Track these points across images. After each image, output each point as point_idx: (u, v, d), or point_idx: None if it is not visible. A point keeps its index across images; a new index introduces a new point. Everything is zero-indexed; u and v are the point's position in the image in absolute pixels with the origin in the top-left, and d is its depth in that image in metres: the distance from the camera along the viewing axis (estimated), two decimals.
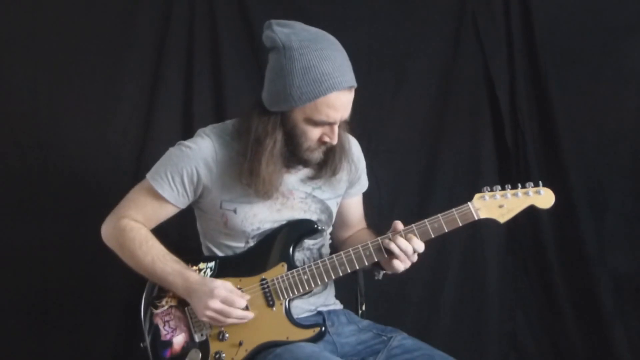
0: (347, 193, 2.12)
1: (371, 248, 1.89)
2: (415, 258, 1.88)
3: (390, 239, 1.86)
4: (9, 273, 2.61)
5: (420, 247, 1.86)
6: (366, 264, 1.91)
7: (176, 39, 2.63)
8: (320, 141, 1.88)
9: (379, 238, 1.89)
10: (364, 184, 2.18)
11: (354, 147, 2.10)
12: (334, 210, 2.08)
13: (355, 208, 2.19)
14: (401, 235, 1.86)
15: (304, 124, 1.84)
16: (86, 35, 2.62)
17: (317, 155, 1.91)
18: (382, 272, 1.98)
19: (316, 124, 1.83)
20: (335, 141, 1.87)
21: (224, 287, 1.85)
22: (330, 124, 1.84)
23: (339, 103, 1.81)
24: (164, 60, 2.63)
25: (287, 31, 1.82)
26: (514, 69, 2.72)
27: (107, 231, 1.98)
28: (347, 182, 2.09)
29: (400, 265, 1.87)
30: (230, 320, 1.85)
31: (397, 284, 1.99)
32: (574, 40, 2.68)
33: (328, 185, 2.03)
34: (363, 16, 2.71)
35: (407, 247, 1.85)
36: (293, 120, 1.84)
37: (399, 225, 1.88)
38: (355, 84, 1.84)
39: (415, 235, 1.86)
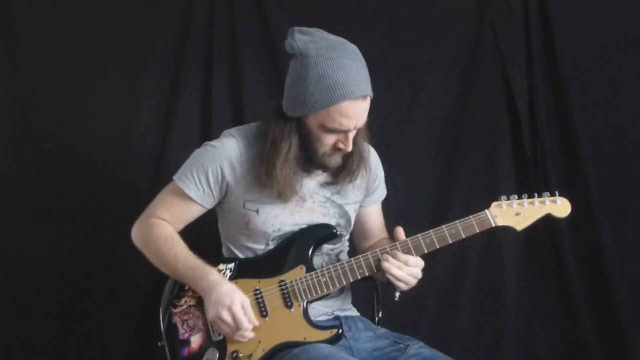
0: (365, 201, 2.13)
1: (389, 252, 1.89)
2: (419, 274, 1.89)
3: (387, 271, 1.87)
4: (29, 276, 2.62)
5: (418, 263, 1.88)
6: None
7: (195, 44, 2.66)
8: (335, 147, 1.90)
9: (397, 243, 1.90)
10: (382, 192, 2.18)
11: (372, 155, 2.11)
12: (352, 216, 2.08)
13: (374, 217, 2.19)
14: (394, 264, 1.86)
15: (318, 130, 1.86)
16: (106, 41, 2.65)
17: (335, 160, 1.92)
18: (397, 293, 1.96)
19: (330, 131, 1.85)
20: (349, 148, 1.89)
21: (242, 302, 1.84)
22: (344, 132, 1.86)
23: (352, 112, 1.82)
24: (183, 66, 2.66)
25: (306, 39, 1.84)
26: (533, 76, 2.71)
27: (135, 231, 2.00)
28: (365, 189, 2.10)
29: (403, 285, 1.88)
30: (231, 335, 1.85)
31: (413, 292, 1.97)
32: (594, 47, 2.68)
33: (346, 191, 2.04)
34: (381, 23, 2.73)
35: (404, 276, 1.86)
36: (308, 126, 1.87)
37: (400, 233, 1.90)
38: (370, 93, 1.86)
39: (411, 252, 1.88)
